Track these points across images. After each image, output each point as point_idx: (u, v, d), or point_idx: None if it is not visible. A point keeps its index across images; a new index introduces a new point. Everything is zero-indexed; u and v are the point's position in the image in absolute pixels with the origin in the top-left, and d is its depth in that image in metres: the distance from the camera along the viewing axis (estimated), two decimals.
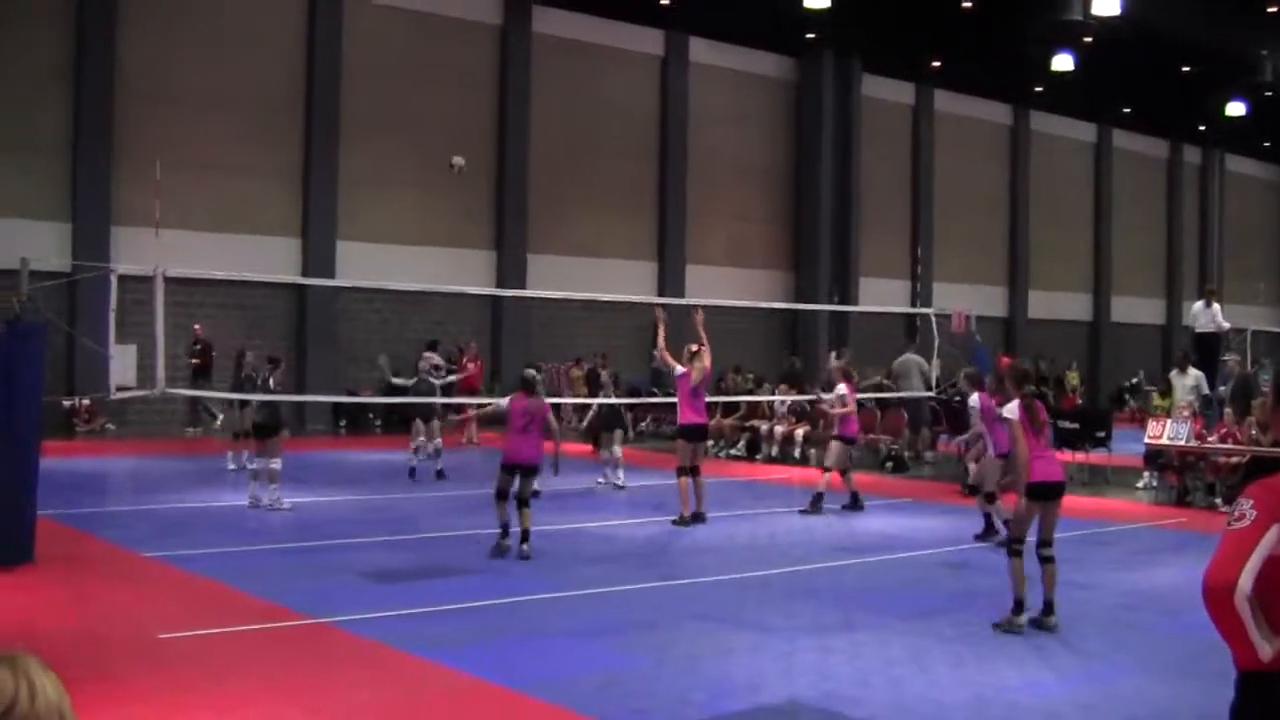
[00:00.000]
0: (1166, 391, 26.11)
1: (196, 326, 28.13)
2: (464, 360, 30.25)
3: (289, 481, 18.72)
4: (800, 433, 27.42)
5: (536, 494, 17.84)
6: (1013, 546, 11.38)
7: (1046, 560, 11.51)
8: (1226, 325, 26.91)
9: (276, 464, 18.09)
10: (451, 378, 25.32)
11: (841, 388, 20.14)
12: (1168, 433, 21.74)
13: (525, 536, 14.43)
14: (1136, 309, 54.77)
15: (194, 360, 28.52)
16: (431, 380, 23.66)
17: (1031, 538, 11.45)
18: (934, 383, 26.10)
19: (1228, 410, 22.08)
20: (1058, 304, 51.32)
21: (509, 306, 34.85)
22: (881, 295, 42.74)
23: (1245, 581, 3.83)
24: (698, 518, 17.59)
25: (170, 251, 25.02)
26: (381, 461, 25.08)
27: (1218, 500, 20.76)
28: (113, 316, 17.28)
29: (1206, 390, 24.35)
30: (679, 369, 18.15)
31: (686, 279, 39.05)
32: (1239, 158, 59.38)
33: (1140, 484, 23.24)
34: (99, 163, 29.43)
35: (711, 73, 40.40)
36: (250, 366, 22.33)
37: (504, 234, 35.70)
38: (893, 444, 26.75)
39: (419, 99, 34.06)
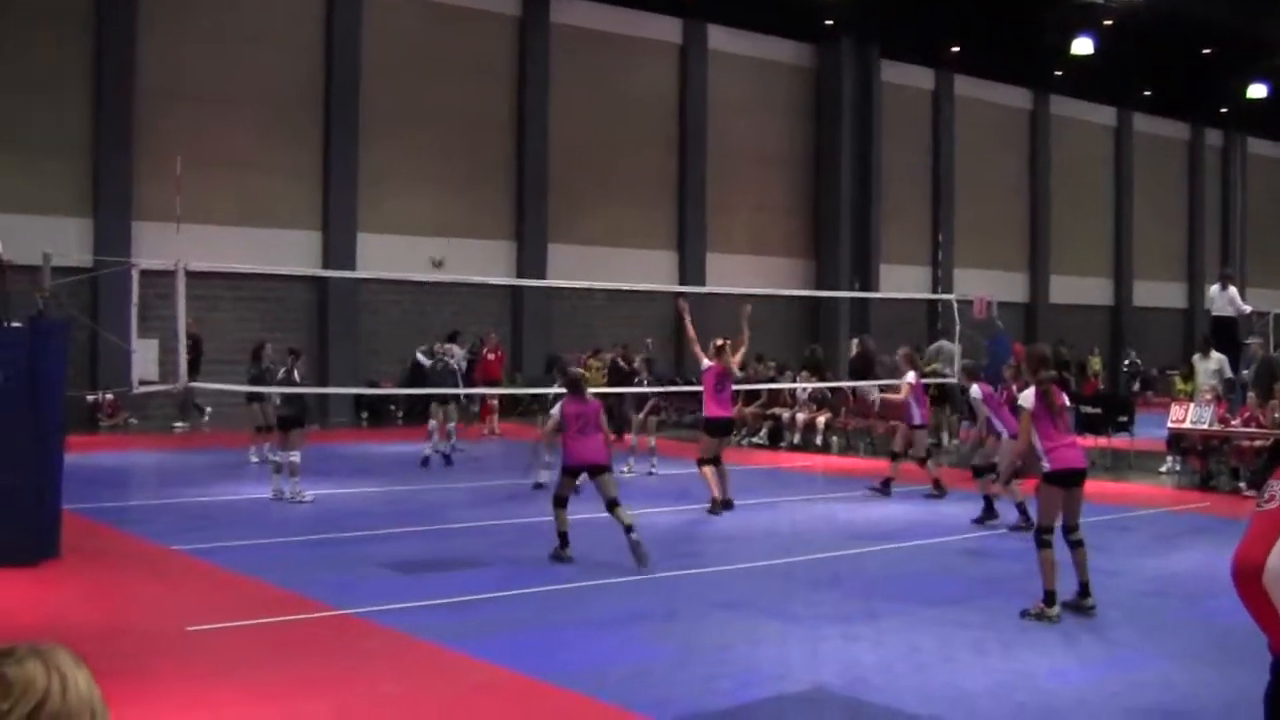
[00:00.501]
0: (1189, 375, 26.02)
1: (189, 319, 27.40)
2: (484, 351, 30.30)
3: (312, 474, 18.78)
4: (822, 420, 27.40)
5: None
6: (1041, 537, 11.29)
7: (1076, 544, 11.47)
8: (1247, 308, 26.80)
9: (296, 457, 18.13)
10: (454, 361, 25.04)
11: (910, 375, 20.03)
12: (1191, 417, 21.70)
13: (630, 529, 13.28)
14: (1158, 293, 54.57)
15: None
16: (449, 363, 23.72)
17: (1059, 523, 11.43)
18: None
19: (1251, 394, 22.00)
20: (1079, 289, 51.16)
21: (529, 297, 34.86)
22: (902, 282, 42.68)
23: (1275, 561, 3.81)
24: (726, 504, 17.56)
25: (191, 246, 25.02)
26: (403, 453, 25.11)
27: (1241, 484, 20.69)
28: (135, 311, 17.36)
29: (1229, 374, 24.26)
30: (706, 362, 18.09)
31: (707, 268, 39.01)
32: (1261, 140, 59.06)
33: (1163, 468, 23.17)
34: (120, 159, 29.50)
35: (730, 61, 40.33)
36: (269, 359, 22.40)
37: (524, 224, 35.70)
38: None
39: (438, 91, 34.07)
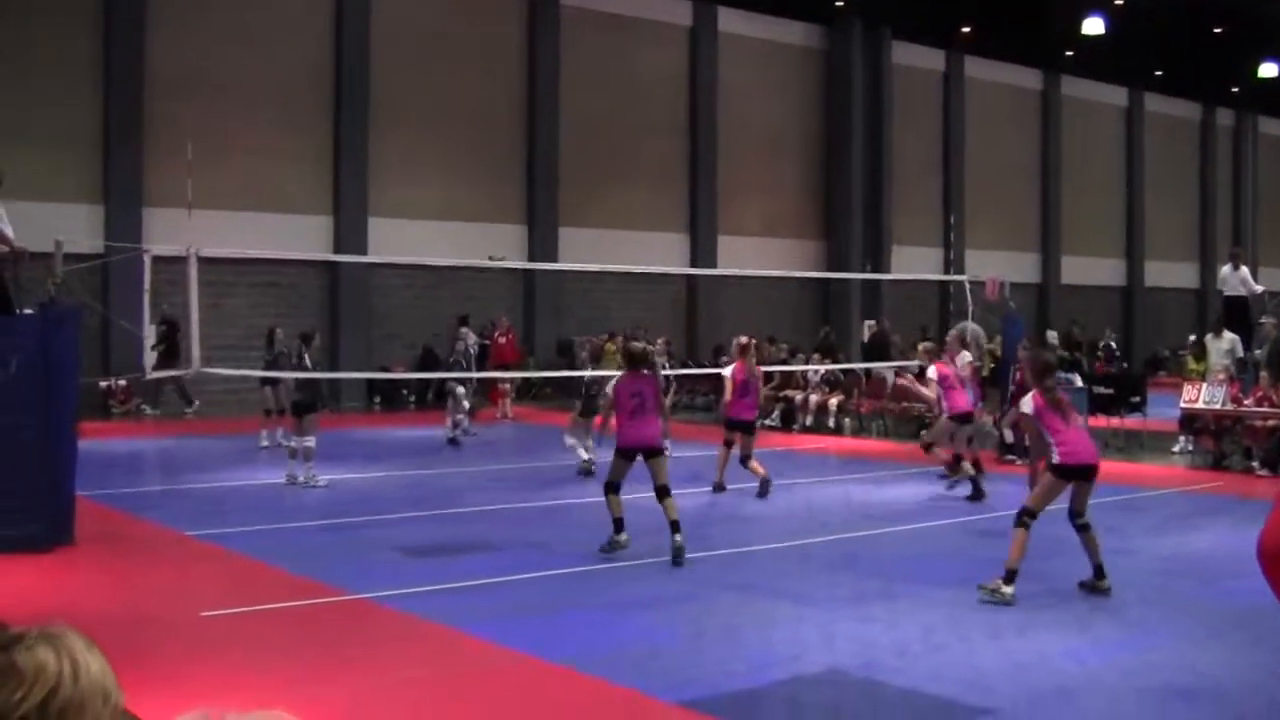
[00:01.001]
0: (1201, 355, 25.98)
1: (165, 306, 26.85)
2: (496, 335, 30.33)
3: (325, 458, 18.79)
4: (834, 402, 27.39)
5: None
6: (1023, 519, 11.23)
7: (1083, 529, 11.45)
8: (1259, 289, 26.75)
9: (311, 442, 18.15)
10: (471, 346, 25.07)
11: (932, 371, 19.82)
12: (1203, 397, 21.66)
13: (675, 527, 12.81)
14: (1170, 273, 54.48)
15: (159, 343, 27.33)
16: (465, 350, 23.88)
17: (1060, 505, 11.41)
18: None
19: (1263, 373, 21.96)
20: (1091, 269, 51.08)
21: (541, 280, 34.86)
22: (914, 263, 42.63)
23: None
24: (719, 488, 17.92)
25: (202, 232, 24.95)
26: (416, 437, 25.16)
27: (1254, 464, 20.67)
28: (147, 297, 17.37)
29: (1241, 354, 24.23)
30: (728, 371, 18.01)
31: (719, 250, 38.98)
32: (1272, 120, 58.92)
33: (1176, 449, 23.15)
34: (130, 145, 29.51)
35: (740, 42, 40.25)
36: (281, 344, 22.44)
37: (535, 208, 35.69)
38: (928, 412, 26.64)
39: (448, 74, 34.05)
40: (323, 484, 17.99)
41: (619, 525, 13.12)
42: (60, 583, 11.72)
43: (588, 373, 21.02)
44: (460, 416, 23.94)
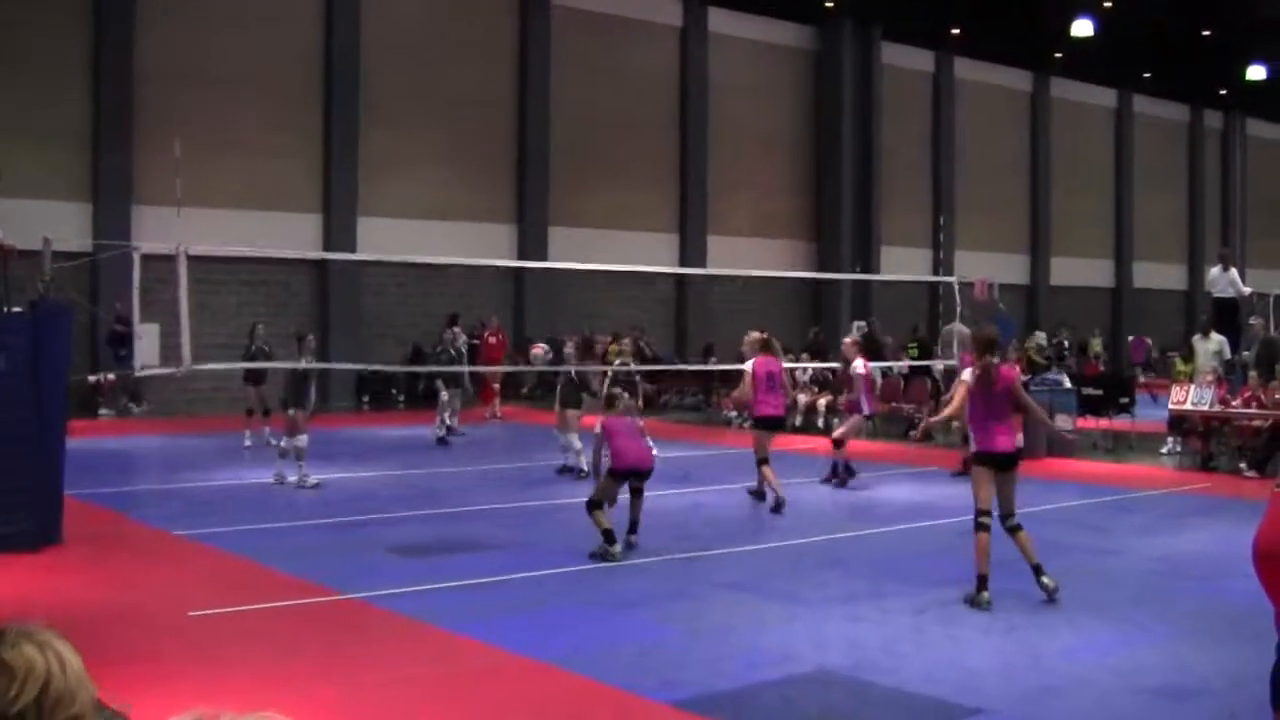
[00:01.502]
0: (1189, 357, 26.02)
1: (117, 304, 26.20)
2: (486, 335, 30.32)
3: (314, 458, 18.75)
4: (823, 402, 27.40)
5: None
6: (977, 520, 11.23)
7: (1014, 530, 11.38)
8: (1247, 290, 26.83)
9: (303, 441, 18.13)
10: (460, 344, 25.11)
11: (859, 364, 19.91)
12: (1191, 398, 21.71)
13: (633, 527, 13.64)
14: (1159, 275, 54.61)
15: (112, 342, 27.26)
16: (454, 350, 23.93)
17: (1045, 506, 11.43)
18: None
19: (1252, 374, 22.01)
20: (1080, 270, 51.18)
21: (531, 279, 34.82)
22: (903, 264, 42.68)
23: None
24: (777, 505, 16.51)
25: (192, 230, 24.94)
26: (405, 437, 25.14)
27: (1243, 465, 20.71)
28: (136, 295, 17.35)
29: (1229, 355, 24.28)
30: (748, 365, 17.70)
31: (709, 250, 39.00)
32: (1260, 122, 59.07)
33: (1164, 449, 23.19)
34: (119, 142, 29.45)
35: (731, 43, 40.28)
36: (261, 339, 22.47)
37: (525, 207, 35.70)
38: (917, 412, 26.69)
39: (439, 73, 34.04)
40: (313, 483, 17.96)
41: (610, 537, 13.09)
42: (49, 582, 11.69)
43: (573, 367, 20.95)
44: (446, 415, 23.97)
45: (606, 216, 36.86)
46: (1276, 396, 20.72)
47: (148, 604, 10.94)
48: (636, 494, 13.69)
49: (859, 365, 19.65)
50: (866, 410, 20.01)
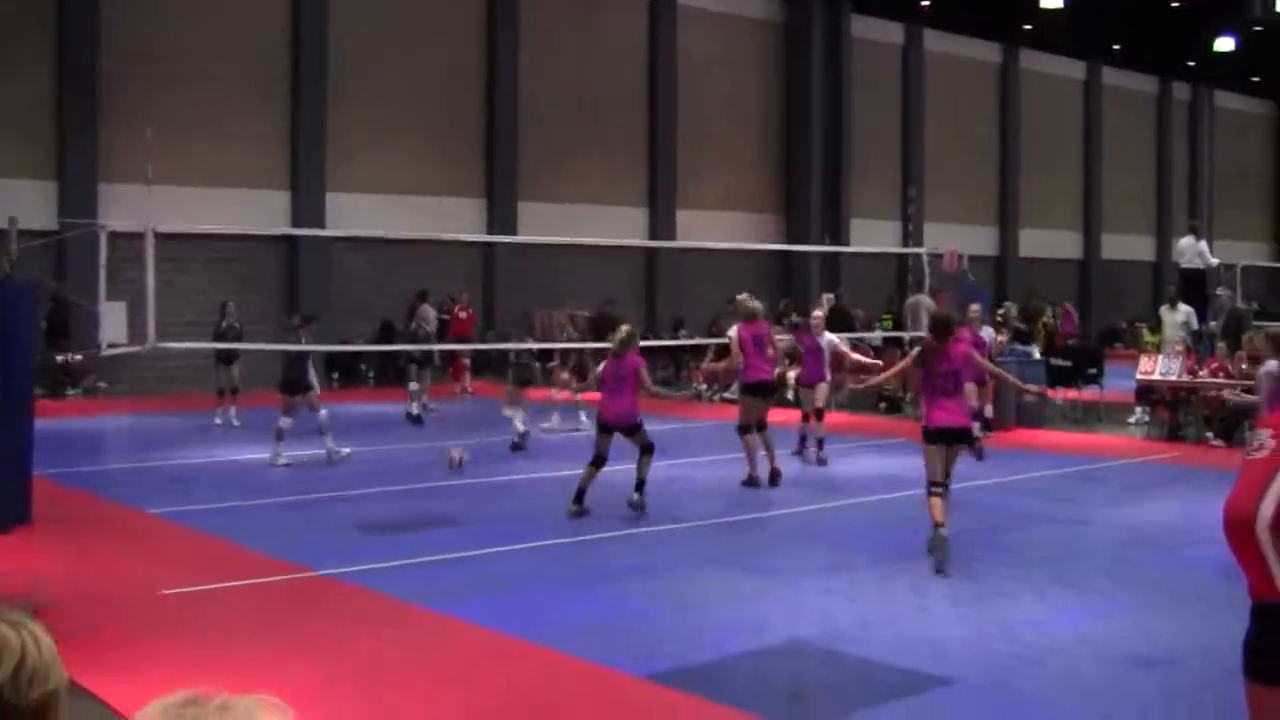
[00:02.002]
0: (1157, 327, 26.17)
1: (53, 284, 25.97)
2: (456, 310, 30.24)
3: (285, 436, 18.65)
4: (793, 374, 27.40)
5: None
6: (930, 489, 11.76)
7: (944, 494, 11.84)
8: (1215, 261, 26.99)
9: (324, 415, 18.34)
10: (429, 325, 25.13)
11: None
12: (1159, 368, 21.81)
13: (640, 486, 14.25)
14: (1127, 246, 54.73)
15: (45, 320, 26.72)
16: (425, 328, 23.90)
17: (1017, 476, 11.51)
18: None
19: (1219, 344, 22.14)
20: (1049, 242, 51.27)
21: (500, 254, 34.71)
22: (873, 236, 42.69)
23: (1266, 510, 3.85)
24: (773, 477, 16.34)
25: (159, 208, 24.81)
26: (376, 413, 25.08)
27: (1210, 434, 20.82)
28: (104, 274, 17.26)
29: (1196, 325, 24.43)
30: (733, 331, 17.57)
31: (678, 223, 38.95)
32: (1228, 93, 59.24)
33: (1132, 419, 23.30)
34: (85, 120, 29.20)
35: (700, 16, 40.15)
36: (232, 316, 22.41)
37: (495, 182, 35.56)
38: (886, 385, 26.72)
39: (406, 49, 33.83)
40: (345, 453, 18.16)
41: (580, 495, 13.65)
42: (20, 562, 11.61)
43: (533, 344, 21.06)
44: (414, 386, 23.85)
45: (576, 191, 36.77)
46: (1243, 366, 20.83)
47: (119, 583, 10.91)
48: (643, 452, 14.11)
49: (823, 338, 19.62)
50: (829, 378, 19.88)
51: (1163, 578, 11.15)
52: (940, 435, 11.84)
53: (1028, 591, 10.50)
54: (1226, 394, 19.44)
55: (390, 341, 24.18)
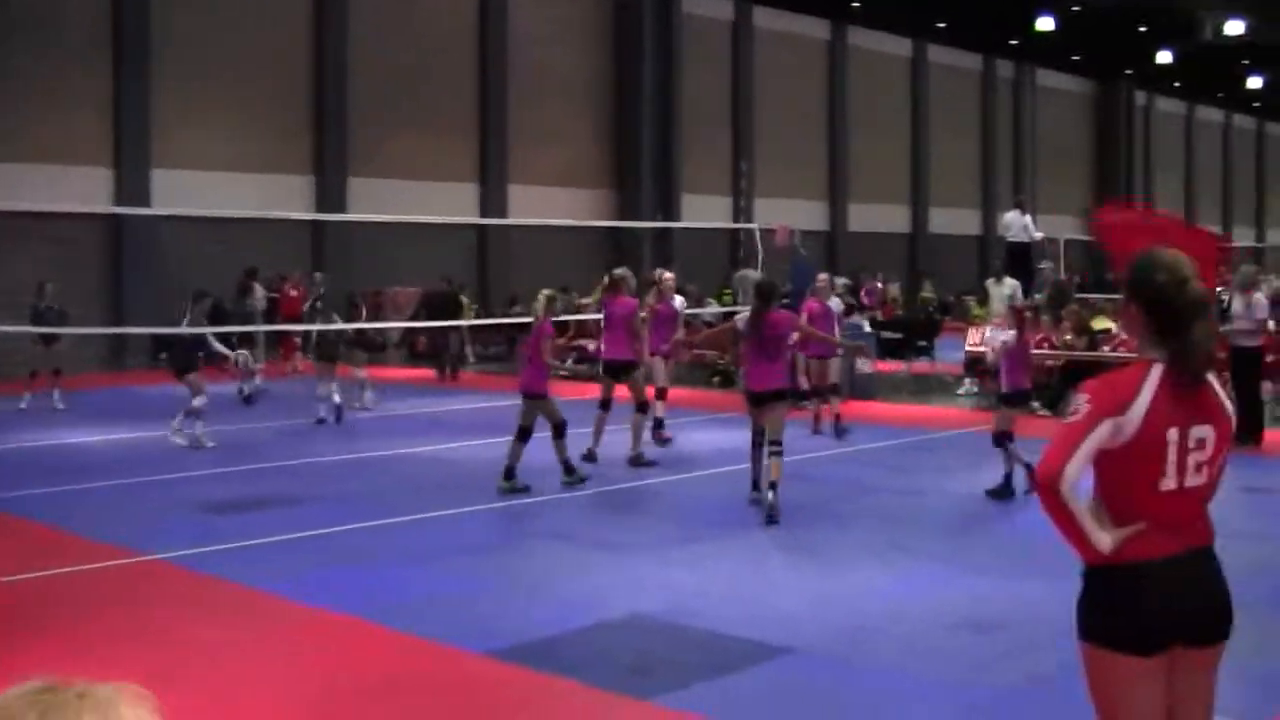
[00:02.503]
0: (984, 300, 26.70)
1: None
2: (286, 288, 29.85)
3: (109, 416, 18.27)
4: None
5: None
6: (753, 439, 13.05)
7: (772, 454, 12.46)
8: (1039, 235, 27.61)
9: (200, 401, 17.65)
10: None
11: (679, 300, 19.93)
12: (986, 339, 22.23)
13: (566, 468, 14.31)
14: (954, 220, 55.70)
15: None
16: (254, 305, 23.59)
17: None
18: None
19: (1044, 317, 22.64)
20: (878, 217, 51.97)
21: (330, 231, 34.27)
22: (705, 212, 42.85)
23: (1071, 471, 3.94)
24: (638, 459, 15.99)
25: None
26: (209, 394, 24.59)
27: (1036, 404, 21.27)
28: None
29: (1022, 298, 24.94)
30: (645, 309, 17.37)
31: (510, 199, 38.81)
32: (1049, 71, 60.54)
33: (961, 390, 23.75)
34: None
35: None
36: (49, 297, 21.81)
37: (324, 158, 35.10)
38: (719, 359, 26.91)
39: (232, 22, 33.14)
40: (211, 445, 17.45)
41: (510, 471, 13.82)
42: None
43: (370, 325, 20.96)
44: (241, 355, 23.33)
45: (407, 167, 36.40)
46: (1067, 338, 21.33)
47: None
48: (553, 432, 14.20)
49: (676, 300, 19.55)
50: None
51: (995, 543, 11.41)
52: (759, 397, 12.79)
53: (866, 560, 10.66)
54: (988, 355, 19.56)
55: (223, 322, 23.66)
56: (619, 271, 17.58)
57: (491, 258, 38.18)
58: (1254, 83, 60.63)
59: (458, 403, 22.78)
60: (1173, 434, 4.02)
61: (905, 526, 11.99)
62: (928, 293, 44.06)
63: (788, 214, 38.59)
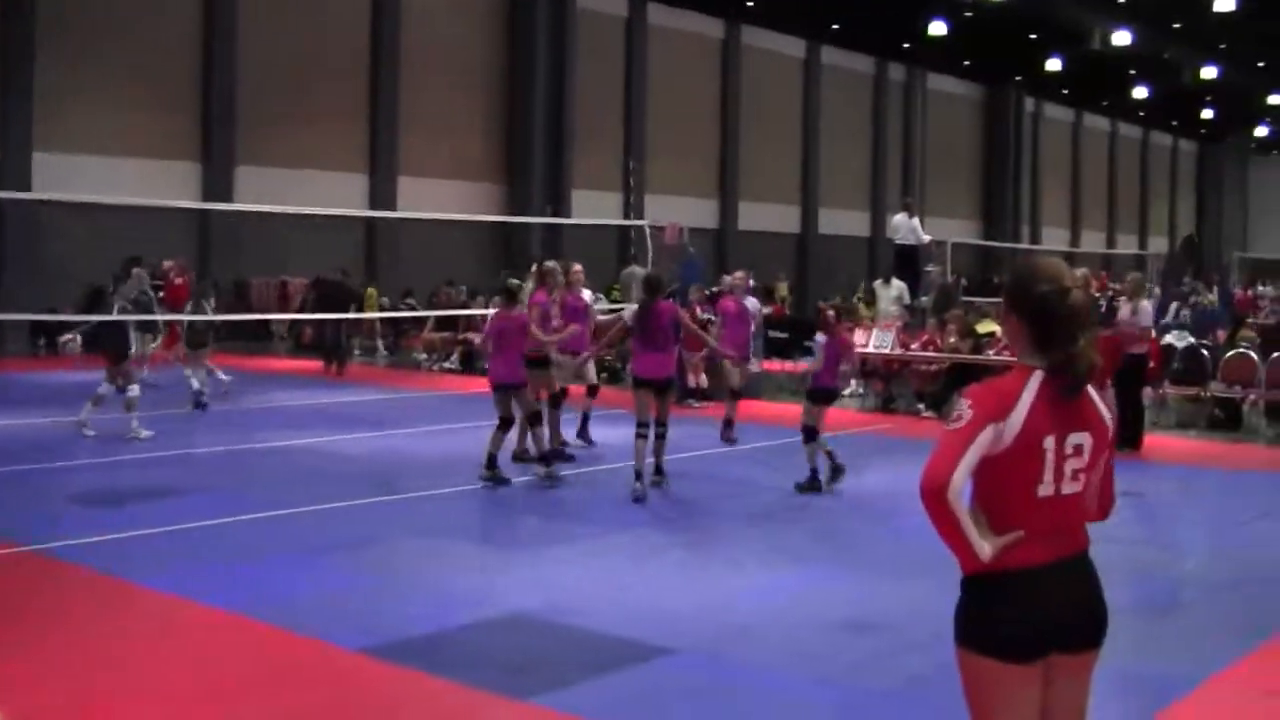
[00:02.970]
0: (871, 302, 26.89)
1: None
2: (172, 276, 29.40)
3: None
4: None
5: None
6: (637, 430, 13.31)
7: (660, 437, 13.64)
8: (927, 238, 27.86)
9: (134, 391, 17.30)
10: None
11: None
12: (873, 341, 22.39)
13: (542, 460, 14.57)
14: (843, 221, 56.08)
15: None
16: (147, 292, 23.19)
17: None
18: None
19: (930, 319, 22.86)
20: (768, 216, 52.21)
21: (217, 221, 33.80)
22: (595, 208, 42.79)
23: (958, 478, 3.92)
24: (552, 455, 15.06)
25: None
26: (85, 382, 24.13)
27: (921, 406, 21.49)
28: None
29: (909, 300, 25.17)
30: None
31: (400, 191, 38.53)
32: (940, 75, 61.14)
33: (847, 392, 23.85)
34: None
35: None
36: None
37: (211, 145, 34.62)
38: (605, 355, 26.85)
39: (120, 3, 32.64)
40: (146, 436, 17.00)
41: (491, 460, 13.93)
42: None
43: (276, 316, 20.80)
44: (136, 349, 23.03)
45: (296, 156, 36.00)
46: (951, 340, 21.54)
47: None
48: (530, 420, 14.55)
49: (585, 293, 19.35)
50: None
51: (878, 545, 11.47)
52: (648, 384, 13.47)
53: (748, 560, 10.66)
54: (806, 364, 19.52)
55: (100, 306, 23.16)
56: (549, 264, 17.33)
57: (380, 250, 37.88)
58: (1139, 92, 61.82)
59: (345, 395, 22.53)
60: (1049, 441, 4.02)
61: (788, 527, 12.03)
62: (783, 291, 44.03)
63: (678, 211, 38.72)
